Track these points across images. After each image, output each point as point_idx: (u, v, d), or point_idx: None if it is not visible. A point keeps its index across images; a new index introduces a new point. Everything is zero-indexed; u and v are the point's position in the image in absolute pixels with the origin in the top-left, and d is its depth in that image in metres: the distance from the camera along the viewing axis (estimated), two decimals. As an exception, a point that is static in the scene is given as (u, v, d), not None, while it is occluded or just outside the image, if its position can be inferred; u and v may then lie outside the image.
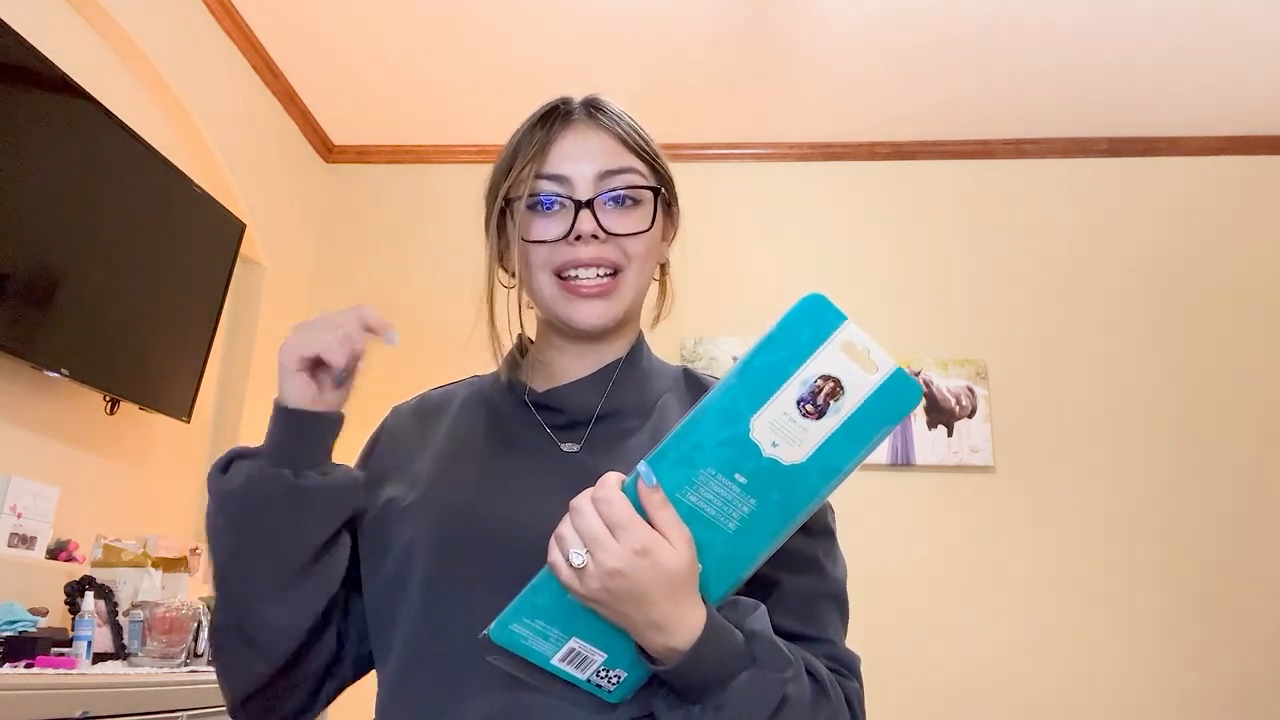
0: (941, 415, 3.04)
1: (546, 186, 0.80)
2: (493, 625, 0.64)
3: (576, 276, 0.79)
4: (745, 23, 2.73)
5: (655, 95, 3.04)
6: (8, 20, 1.84)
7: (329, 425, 0.79)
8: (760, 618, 0.66)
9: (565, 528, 0.62)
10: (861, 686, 0.74)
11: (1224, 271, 3.13)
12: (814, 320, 0.60)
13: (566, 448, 0.80)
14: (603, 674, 0.66)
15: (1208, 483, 2.95)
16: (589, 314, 0.79)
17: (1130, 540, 2.91)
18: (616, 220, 0.79)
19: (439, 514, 0.76)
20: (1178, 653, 2.81)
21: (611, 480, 0.62)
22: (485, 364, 0.92)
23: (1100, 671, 2.81)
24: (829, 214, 3.28)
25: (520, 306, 0.86)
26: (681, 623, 0.61)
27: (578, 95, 0.88)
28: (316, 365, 0.78)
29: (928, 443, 3.01)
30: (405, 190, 3.44)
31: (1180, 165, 3.24)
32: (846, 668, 0.74)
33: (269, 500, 0.74)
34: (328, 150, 3.45)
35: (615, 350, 0.85)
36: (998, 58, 2.86)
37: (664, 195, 0.84)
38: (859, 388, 0.59)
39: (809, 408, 0.59)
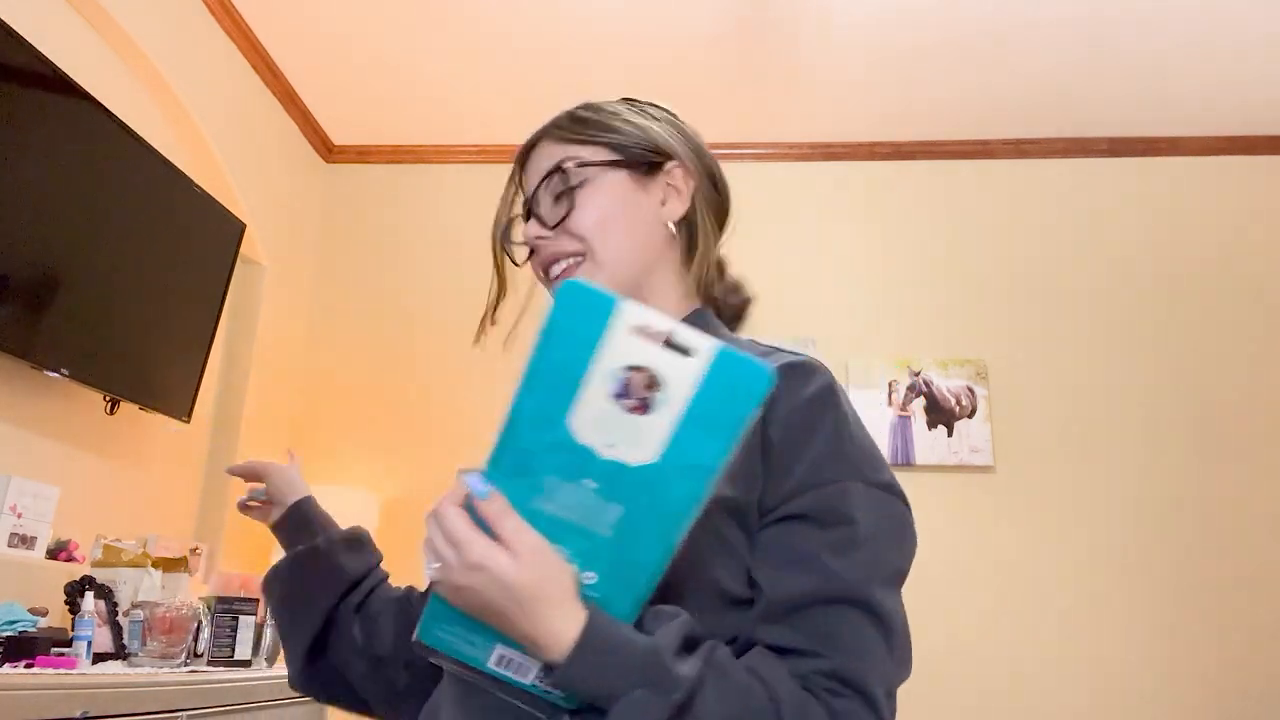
0: (941, 415, 3.04)
1: (520, 210, 0.89)
2: (418, 627, 0.63)
3: (554, 274, 0.84)
4: (745, 23, 2.73)
5: (655, 95, 3.02)
6: (8, 20, 1.84)
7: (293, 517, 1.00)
8: (670, 629, 0.60)
9: (424, 543, 0.61)
10: (874, 707, 0.62)
11: (1224, 272, 3.13)
12: (584, 309, 0.56)
13: None
14: (545, 680, 0.63)
15: (1207, 482, 2.94)
16: None
17: (1130, 540, 2.91)
18: (554, 213, 0.83)
19: None
20: (1178, 650, 2.81)
21: (451, 494, 0.60)
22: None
23: (1100, 670, 2.81)
24: (829, 214, 3.28)
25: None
26: (550, 636, 0.58)
27: (563, 99, 0.92)
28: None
29: (928, 443, 3.01)
30: (405, 190, 3.43)
31: (1180, 165, 3.24)
32: (846, 684, 0.62)
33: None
34: (328, 150, 3.45)
35: None
36: (998, 58, 2.86)
37: (621, 162, 0.83)
38: (681, 376, 0.55)
39: (630, 403, 0.56)
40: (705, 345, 0.55)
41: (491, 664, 0.63)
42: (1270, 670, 2.78)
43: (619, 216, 0.82)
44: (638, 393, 0.55)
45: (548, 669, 0.61)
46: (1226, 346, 3.06)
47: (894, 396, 3.06)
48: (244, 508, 1.04)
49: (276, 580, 0.94)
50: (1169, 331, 3.09)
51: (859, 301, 3.18)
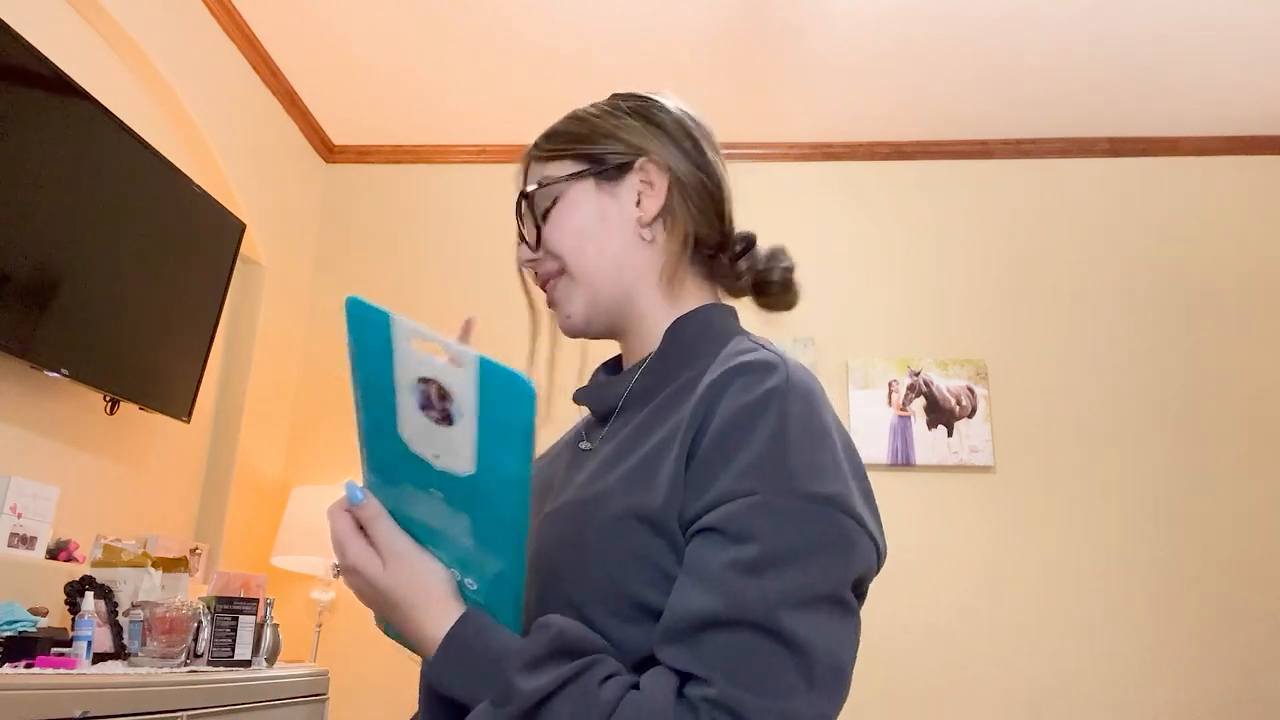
0: (941, 415, 3.04)
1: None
2: (375, 617, 0.68)
3: (549, 297, 0.85)
4: (745, 22, 2.73)
5: (655, 95, 3.03)
6: (8, 20, 1.84)
7: None
8: (533, 640, 0.59)
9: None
10: None
11: (1224, 271, 3.13)
12: (367, 323, 0.55)
13: (583, 445, 0.81)
14: None
15: (1207, 482, 2.95)
16: (559, 321, 0.84)
17: (1130, 539, 2.91)
18: (534, 235, 0.83)
19: None
20: (1179, 650, 2.81)
21: (340, 499, 0.63)
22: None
23: (1101, 669, 2.81)
24: (829, 214, 3.28)
25: (533, 349, 0.91)
26: (423, 638, 0.61)
27: (562, 101, 0.93)
28: None
29: (928, 443, 3.01)
30: (405, 190, 3.44)
31: (1180, 165, 3.24)
32: (734, 716, 0.55)
33: None
34: (328, 150, 3.45)
35: (638, 347, 0.83)
36: (998, 58, 2.86)
37: (585, 172, 0.81)
38: (462, 387, 0.54)
39: (434, 414, 0.55)
40: (468, 356, 0.53)
41: None
42: (1274, 666, 2.78)
43: (591, 228, 0.80)
44: (436, 404, 0.55)
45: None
46: (1227, 346, 3.06)
47: (894, 396, 3.06)
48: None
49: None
50: (1169, 331, 3.09)
51: (859, 301, 3.18)
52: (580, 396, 0.85)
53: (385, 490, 0.61)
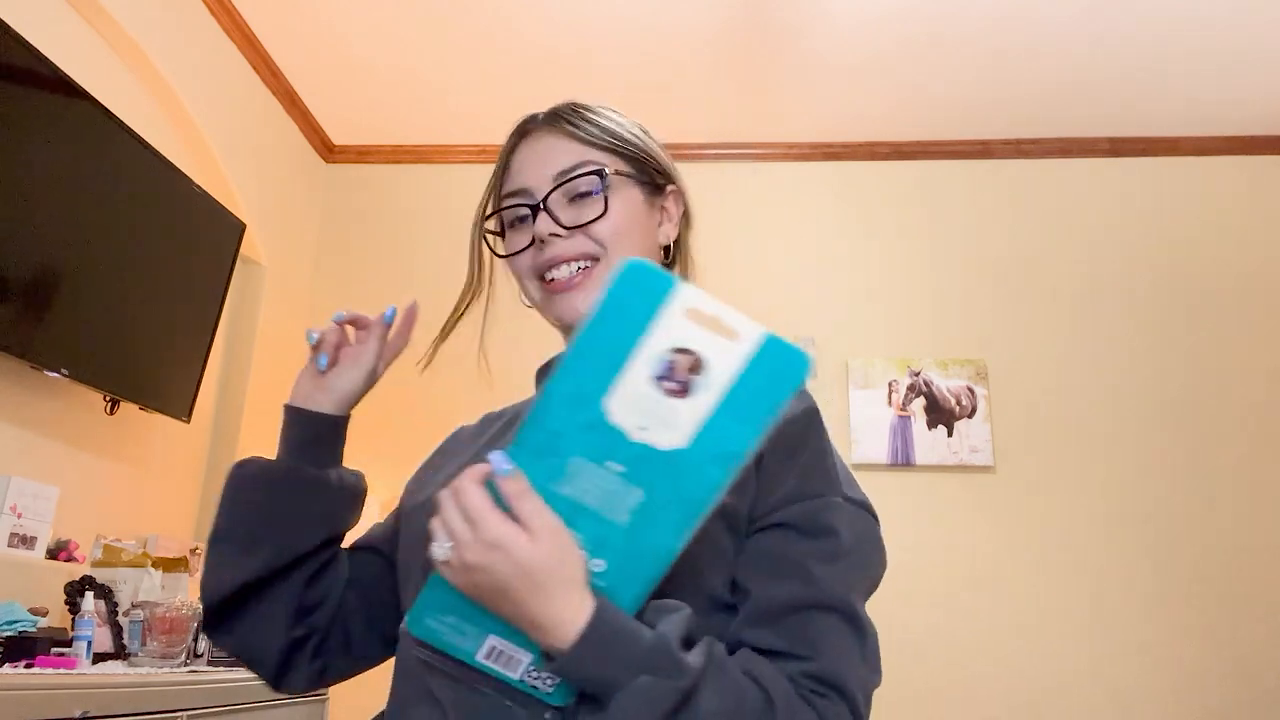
0: (941, 415, 3.04)
1: (509, 202, 0.83)
2: (407, 618, 0.63)
3: (554, 278, 0.81)
4: (745, 22, 2.73)
5: (655, 95, 3.04)
6: (8, 20, 1.84)
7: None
8: (674, 622, 0.61)
9: (435, 520, 0.60)
10: (854, 710, 0.64)
11: (1223, 271, 3.13)
12: (641, 289, 0.55)
13: None
14: (534, 674, 0.62)
15: (1207, 482, 2.94)
16: (567, 308, 0.80)
17: (1130, 539, 2.91)
18: (575, 214, 0.80)
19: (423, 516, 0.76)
20: (1178, 649, 2.81)
21: (473, 471, 0.60)
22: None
23: (1101, 669, 2.81)
24: (829, 214, 3.28)
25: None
26: (559, 620, 0.58)
27: (561, 100, 0.88)
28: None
29: (928, 443, 3.01)
30: (405, 190, 3.44)
31: (1180, 165, 3.24)
32: (830, 686, 0.63)
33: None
34: (328, 150, 3.45)
35: None
36: (997, 57, 2.86)
37: (636, 177, 0.84)
38: (725, 360, 0.54)
39: (670, 385, 0.55)
40: (753, 330, 0.54)
41: (480, 657, 0.62)
42: (1272, 669, 2.78)
43: (633, 231, 0.82)
44: (680, 375, 0.54)
45: (545, 656, 0.61)
46: (1227, 346, 3.06)
47: (894, 396, 3.06)
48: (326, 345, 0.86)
49: (272, 480, 0.82)
50: (1169, 331, 3.09)
51: (859, 301, 3.18)
52: None
53: (529, 464, 0.59)
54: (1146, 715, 2.76)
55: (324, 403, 0.85)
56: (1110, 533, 2.92)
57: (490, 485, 0.59)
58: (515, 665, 0.62)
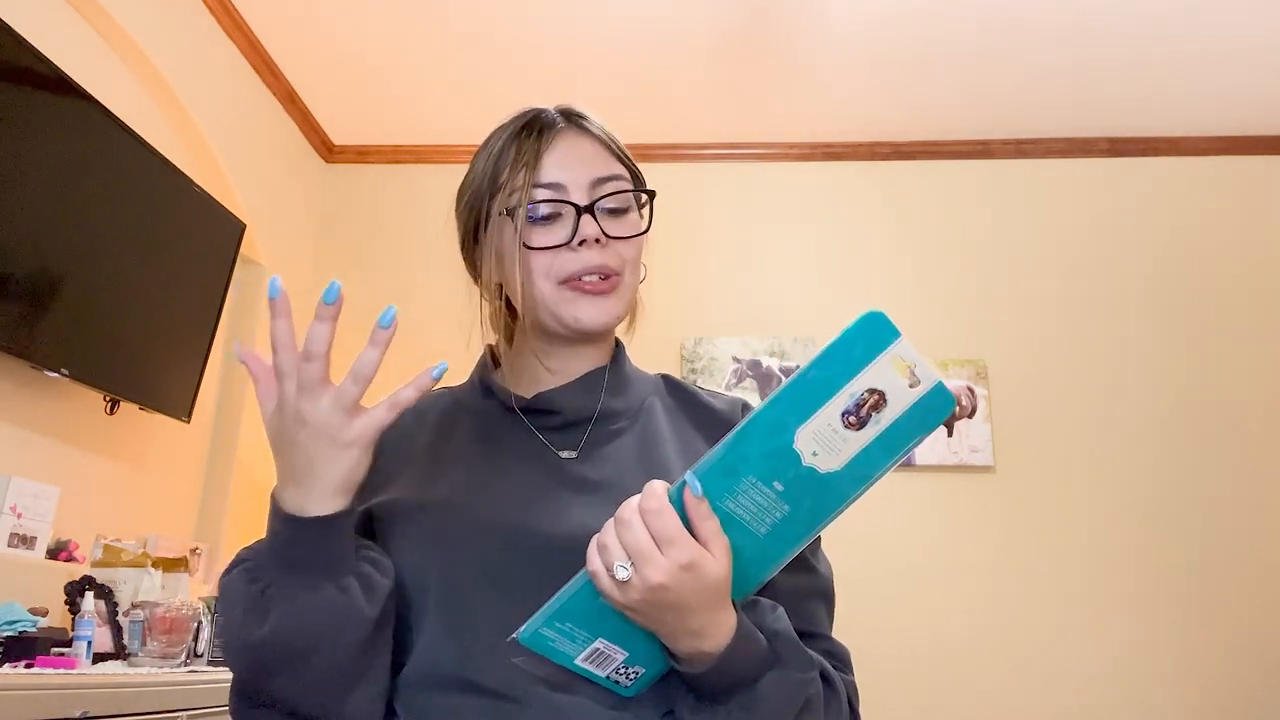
0: (941, 415, 3.04)
1: (544, 194, 0.79)
2: (523, 629, 0.64)
3: (587, 280, 0.79)
4: (745, 23, 2.73)
5: (655, 95, 3.04)
6: (8, 20, 1.84)
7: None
8: (781, 618, 0.68)
9: (609, 537, 0.61)
10: (854, 678, 0.77)
11: (1223, 271, 3.13)
12: (869, 336, 0.60)
13: (565, 454, 0.79)
14: (621, 671, 0.67)
15: (1207, 482, 2.95)
16: (595, 311, 0.79)
17: (1131, 540, 2.91)
18: (613, 225, 0.80)
19: (452, 526, 0.74)
20: (1180, 649, 2.81)
21: (659, 490, 0.61)
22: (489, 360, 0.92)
23: (1102, 669, 2.81)
24: (829, 214, 3.28)
25: (483, 317, 0.85)
26: (716, 628, 0.63)
27: (551, 105, 0.86)
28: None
29: (928, 442, 3.01)
30: (405, 190, 3.44)
31: (1180, 165, 3.24)
32: (841, 661, 0.77)
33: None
34: (328, 150, 3.45)
35: (598, 356, 0.85)
36: (998, 58, 2.86)
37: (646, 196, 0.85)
38: (899, 400, 0.60)
39: (852, 419, 0.60)
40: (933, 378, 0.60)
41: (580, 659, 0.66)
42: (1273, 669, 2.78)
43: (639, 256, 0.84)
44: (863, 412, 0.60)
45: (673, 656, 0.65)
46: (1226, 345, 3.06)
47: (894, 396, 3.06)
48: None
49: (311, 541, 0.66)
50: (1169, 331, 3.09)
51: (858, 301, 3.18)
52: (543, 401, 0.82)
53: (711, 482, 0.62)
54: (1146, 712, 2.76)
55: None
56: (1110, 532, 2.92)
57: (673, 501, 0.62)
58: (608, 664, 0.66)
